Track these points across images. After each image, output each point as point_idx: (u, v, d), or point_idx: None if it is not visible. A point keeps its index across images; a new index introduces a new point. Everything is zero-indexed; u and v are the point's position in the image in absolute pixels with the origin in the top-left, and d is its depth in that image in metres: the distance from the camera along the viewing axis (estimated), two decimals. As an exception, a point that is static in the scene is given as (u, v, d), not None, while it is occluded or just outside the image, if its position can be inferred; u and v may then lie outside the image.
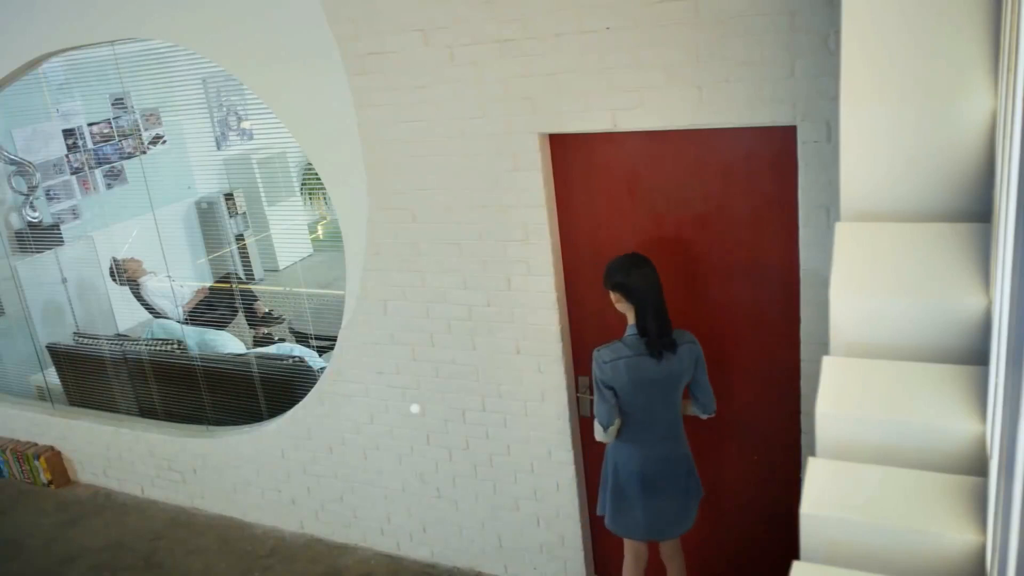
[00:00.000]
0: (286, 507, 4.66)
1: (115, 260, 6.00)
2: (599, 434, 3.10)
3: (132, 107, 6.63)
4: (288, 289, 6.65)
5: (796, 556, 1.43)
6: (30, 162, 6.29)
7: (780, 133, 2.90)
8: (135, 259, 5.96)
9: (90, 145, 6.68)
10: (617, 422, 3.07)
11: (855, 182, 1.67)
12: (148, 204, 5.02)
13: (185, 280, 6.32)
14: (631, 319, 3.03)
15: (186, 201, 7.44)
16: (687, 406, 3.18)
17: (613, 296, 3.05)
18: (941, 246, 1.58)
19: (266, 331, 5.87)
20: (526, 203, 3.34)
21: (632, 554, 3.35)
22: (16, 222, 6.23)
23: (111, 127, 6.73)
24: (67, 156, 6.58)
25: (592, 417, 3.21)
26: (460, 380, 3.79)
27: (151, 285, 5.88)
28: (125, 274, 5.93)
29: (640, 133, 3.16)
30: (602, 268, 3.11)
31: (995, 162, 1.51)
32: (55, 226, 6.40)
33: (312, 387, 4.32)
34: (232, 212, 7.51)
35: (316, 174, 3.91)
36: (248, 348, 5.53)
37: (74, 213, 6.73)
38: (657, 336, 2.97)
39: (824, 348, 1.64)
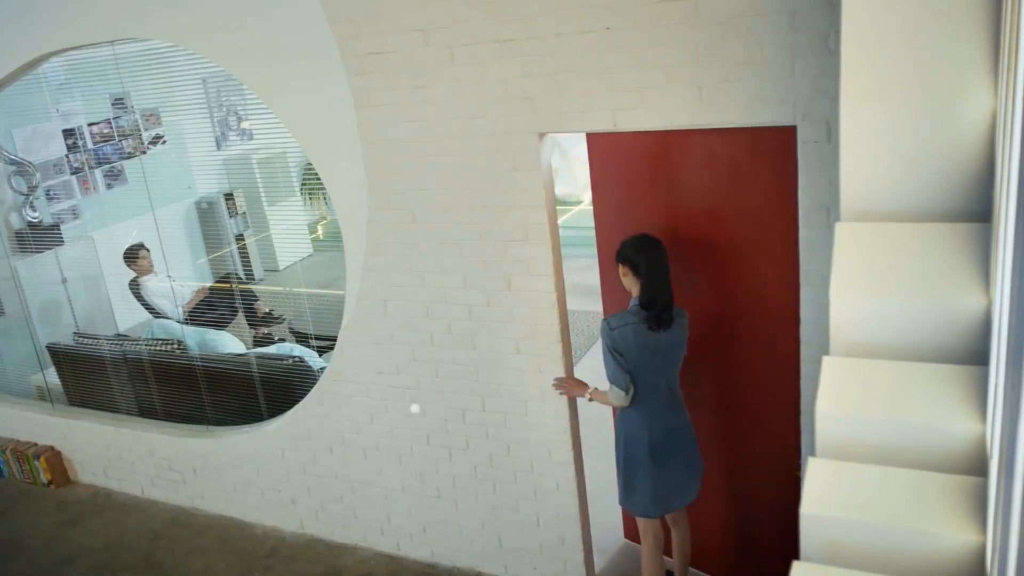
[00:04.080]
0: (286, 507, 4.66)
1: (131, 248, 5.87)
2: (619, 398, 3.18)
3: (132, 107, 6.64)
4: (288, 289, 6.65)
5: (796, 556, 1.43)
6: (30, 162, 6.30)
7: (780, 133, 2.89)
8: (147, 256, 5.88)
9: (90, 145, 6.69)
10: (631, 388, 3.17)
11: (855, 182, 1.67)
12: (148, 204, 5.02)
13: (185, 280, 6.32)
14: (635, 293, 3.15)
15: (186, 201, 7.45)
16: None
17: (621, 269, 3.17)
18: (941, 246, 1.58)
19: (266, 331, 5.87)
20: (526, 203, 3.34)
21: (651, 535, 3.41)
22: (16, 222, 6.24)
23: (111, 127, 6.74)
24: (67, 156, 6.58)
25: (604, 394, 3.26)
26: (460, 380, 3.79)
27: (151, 285, 5.87)
28: (136, 263, 5.83)
29: (640, 133, 3.16)
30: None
31: (995, 162, 1.51)
32: (55, 226, 6.41)
33: (312, 387, 4.32)
34: (232, 212, 7.52)
35: (316, 174, 3.90)
36: (248, 348, 5.53)
37: (74, 213, 6.74)
38: (660, 310, 3.10)
39: (824, 348, 1.64)
